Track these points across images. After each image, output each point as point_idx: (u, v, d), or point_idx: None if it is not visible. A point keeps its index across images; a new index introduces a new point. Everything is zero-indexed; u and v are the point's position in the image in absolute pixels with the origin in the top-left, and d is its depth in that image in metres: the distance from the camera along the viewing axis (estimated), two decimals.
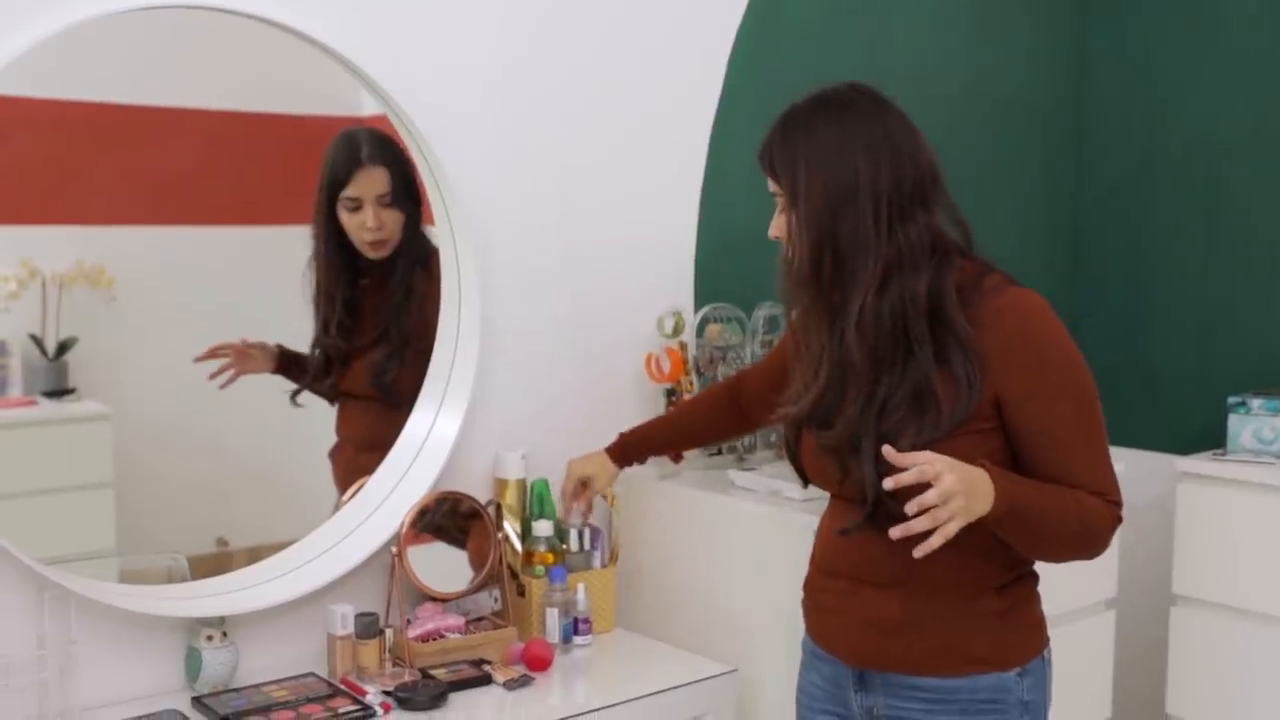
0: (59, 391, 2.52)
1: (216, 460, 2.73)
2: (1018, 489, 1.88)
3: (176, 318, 2.65)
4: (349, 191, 2.68)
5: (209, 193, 2.68)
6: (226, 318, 2.70)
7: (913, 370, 1.95)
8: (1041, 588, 2.13)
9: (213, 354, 2.63)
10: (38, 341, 2.48)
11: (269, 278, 2.76)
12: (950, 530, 1.80)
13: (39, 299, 2.48)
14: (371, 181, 2.68)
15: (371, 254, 2.72)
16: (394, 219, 2.71)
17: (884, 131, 1.99)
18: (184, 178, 2.63)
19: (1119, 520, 2.00)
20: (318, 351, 2.74)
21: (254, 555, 2.60)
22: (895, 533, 1.82)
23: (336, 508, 2.68)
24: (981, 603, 2.03)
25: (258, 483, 2.77)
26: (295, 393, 2.74)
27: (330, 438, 2.79)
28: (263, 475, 2.78)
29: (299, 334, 2.74)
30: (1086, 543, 1.98)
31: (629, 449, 2.74)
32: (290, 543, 2.59)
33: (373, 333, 2.75)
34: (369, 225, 2.68)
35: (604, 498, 2.78)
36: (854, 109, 2.01)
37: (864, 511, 1.98)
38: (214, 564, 2.63)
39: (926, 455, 1.81)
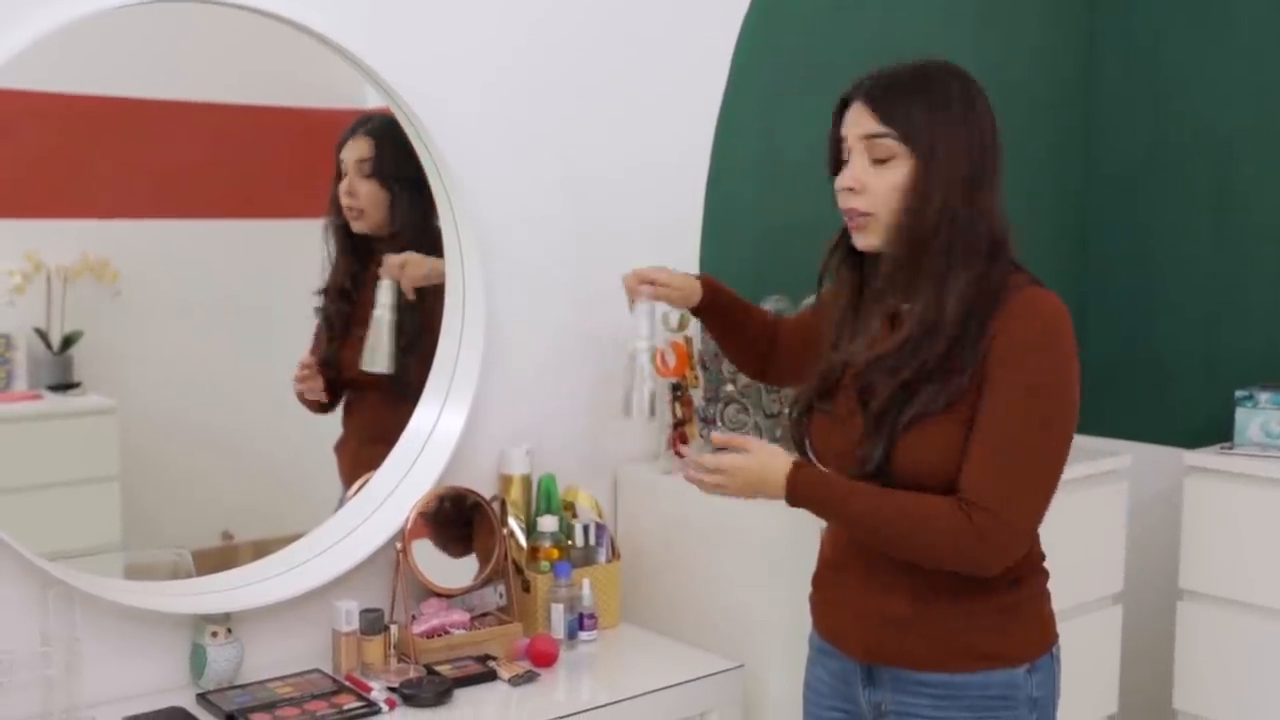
0: (64, 385, 2.51)
1: (222, 454, 2.72)
2: (814, 490, 2.00)
3: (181, 311, 2.64)
4: (339, 157, 2.71)
5: (214, 186, 2.68)
6: (231, 311, 2.70)
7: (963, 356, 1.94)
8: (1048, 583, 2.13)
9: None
10: (43, 335, 2.48)
11: (274, 271, 2.76)
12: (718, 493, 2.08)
13: (44, 293, 2.48)
14: (355, 149, 2.70)
15: (354, 227, 2.72)
16: (371, 192, 2.70)
17: (991, 114, 2.06)
18: (188, 171, 2.63)
19: (980, 533, 1.89)
20: (328, 317, 2.75)
21: (259, 548, 2.61)
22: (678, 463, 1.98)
23: (341, 502, 2.67)
24: (991, 599, 2.01)
25: (263, 476, 2.77)
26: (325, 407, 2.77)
27: (335, 431, 2.79)
28: (268, 469, 2.78)
29: (303, 328, 2.74)
30: (922, 547, 1.94)
31: (716, 301, 2.53)
32: (295, 536, 2.59)
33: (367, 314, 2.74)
34: (344, 190, 2.69)
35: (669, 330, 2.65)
36: (975, 85, 2.05)
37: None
38: (219, 558, 2.63)
39: (730, 453, 2.04)
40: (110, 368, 2.56)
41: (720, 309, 2.54)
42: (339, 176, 2.71)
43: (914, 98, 1.99)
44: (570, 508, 2.79)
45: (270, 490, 2.79)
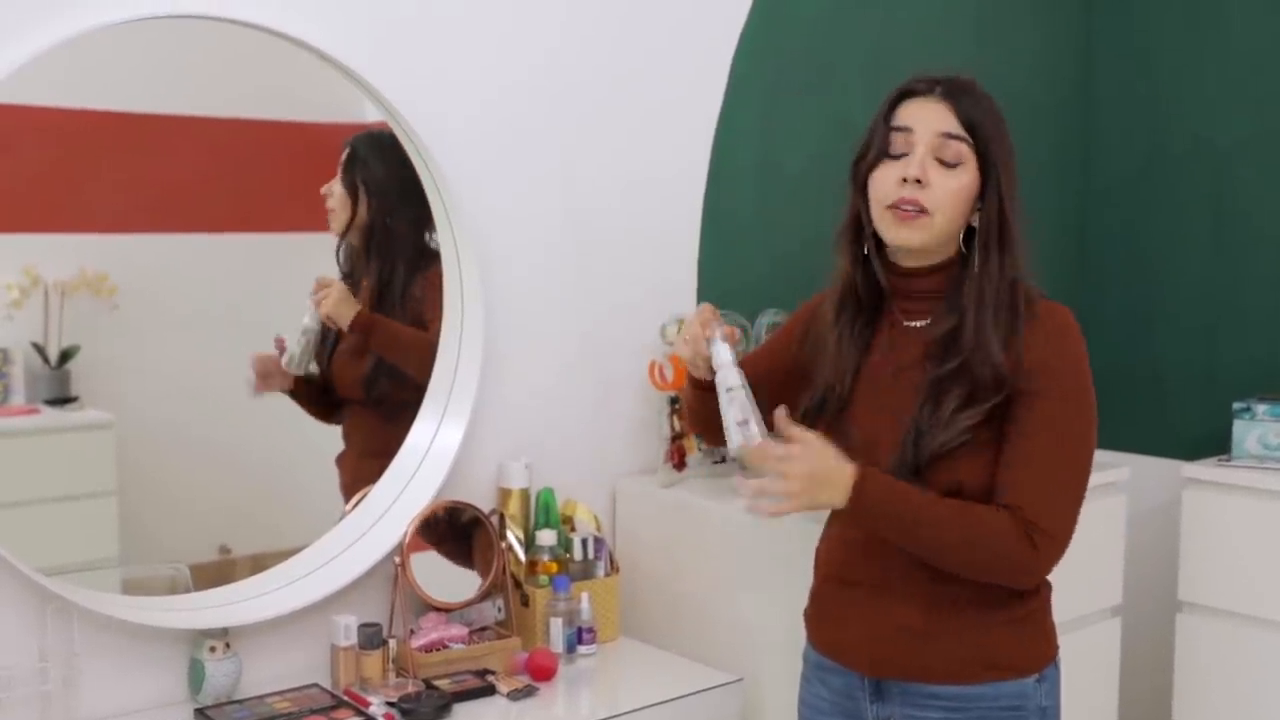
0: (61, 400, 2.50)
1: (219, 468, 2.71)
2: (884, 495, 1.91)
3: (179, 325, 2.63)
4: None
5: (212, 200, 2.67)
6: (229, 325, 2.69)
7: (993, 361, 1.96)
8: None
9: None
10: (40, 350, 2.47)
11: (272, 285, 2.75)
12: (782, 509, 1.91)
13: (41, 307, 2.47)
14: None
15: (331, 227, 2.73)
16: (340, 195, 2.69)
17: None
18: (187, 185, 2.62)
19: (1032, 542, 1.91)
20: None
21: (257, 562, 2.60)
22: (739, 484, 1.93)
23: (342, 515, 2.67)
24: (1003, 610, 2.02)
25: (260, 490, 2.76)
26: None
27: (335, 444, 2.78)
28: (266, 483, 2.77)
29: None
30: (980, 558, 1.94)
31: None
32: (293, 550, 2.58)
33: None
34: (324, 189, 2.71)
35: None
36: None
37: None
38: (217, 572, 2.62)
39: (796, 442, 1.89)
40: (108, 382, 2.55)
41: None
42: None
43: (985, 107, 2.02)
44: (569, 521, 2.79)
45: (268, 504, 2.78)
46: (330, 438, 2.77)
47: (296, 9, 2.42)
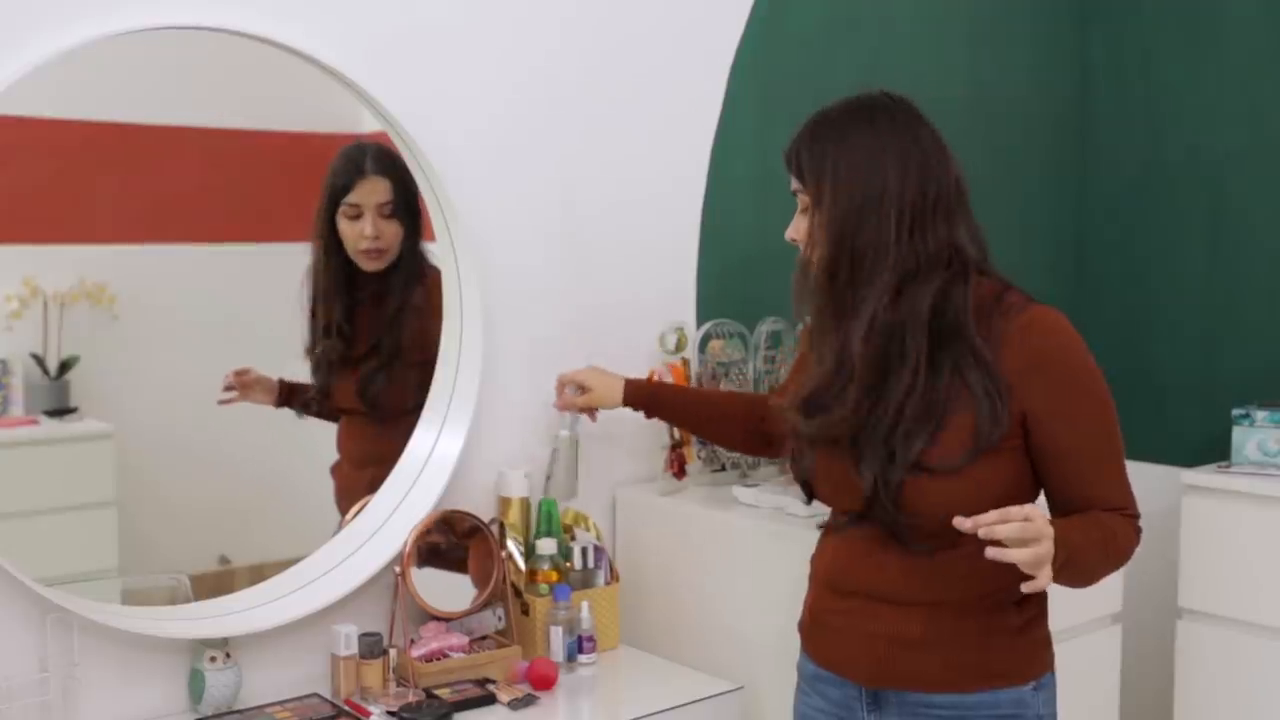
0: (61, 410, 2.52)
1: (218, 478, 2.72)
2: (1074, 538, 1.86)
3: (178, 335, 2.65)
4: (350, 198, 2.68)
5: (210, 210, 2.68)
6: (228, 335, 2.70)
7: (924, 385, 1.94)
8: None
9: (227, 384, 2.65)
10: (39, 360, 2.48)
11: (271, 295, 2.75)
12: (1048, 575, 1.80)
13: (40, 318, 2.48)
14: (373, 190, 2.68)
15: (366, 264, 2.71)
16: (392, 231, 2.70)
17: (915, 142, 1.99)
18: (185, 196, 2.63)
19: (1139, 532, 2.01)
20: (316, 358, 2.74)
21: (256, 573, 2.60)
22: (991, 554, 1.78)
23: (339, 526, 2.67)
24: (1001, 618, 2.02)
25: (260, 500, 2.77)
26: (309, 412, 2.77)
27: (332, 454, 2.79)
28: (265, 493, 2.78)
29: (300, 351, 2.74)
30: (1118, 564, 1.99)
31: (641, 391, 2.65)
32: (293, 560, 2.58)
33: (365, 346, 2.74)
34: (366, 234, 2.68)
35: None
36: (888, 117, 2.01)
37: (863, 519, 2.04)
38: (216, 582, 2.62)
39: (1020, 513, 1.78)
40: (107, 392, 2.57)
41: (664, 405, 2.65)
42: (333, 212, 2.70)
43: (805, 143, 2.04)
44: (570, 530, 2.78)
45: (267, 515, 2.78)
46: (330, 448, 2.78)
47: (298, 21, 2.42)
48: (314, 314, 2.72)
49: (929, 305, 1.94)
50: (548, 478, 2.71)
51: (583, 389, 2.65)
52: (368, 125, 2.68)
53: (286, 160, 2.75)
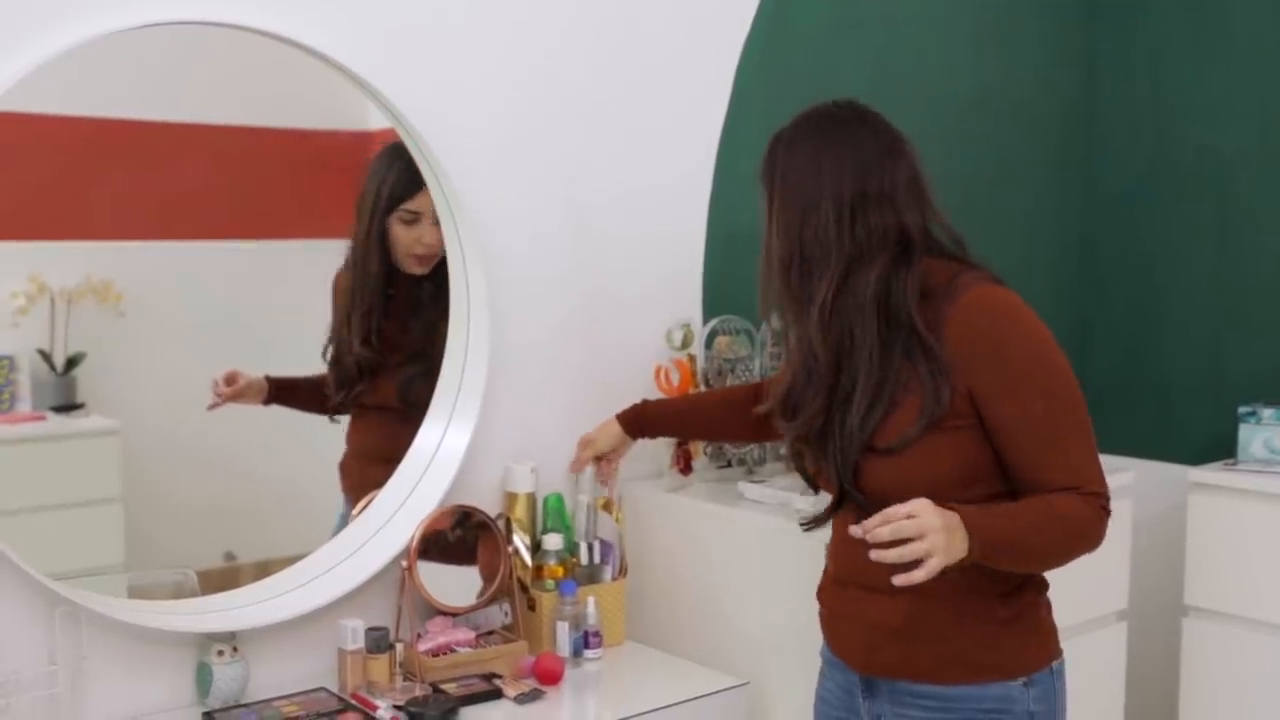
0: (67, 406, 2.52)
1: (224, 475, 2.73)
2: (989, 523, 1.90)
3: (184, 332, 2.66)
4: (411, 205, 2.67)
5: (216, 207, 2.69)
6: (234, 332, 2.71)
7: (874, 366, 2.00)
8: (1052, 599, 2.12)
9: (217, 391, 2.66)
10: (46, 357, 2.48)
11: (276, 292, 2.77)
12: (933, 567, 1.83)
13: (47, 314, 2.49)
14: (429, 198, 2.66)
15: (416, 268, 2.71)
16: (440, 235, 2.69)
17: (855, 141, 2.06)
18: (192, 193, 2.64)
19: (1105, 510, 1.98)
20: (348, 363, 2.72)
21: (262, 569, 2.60)
22: (875, 555, 1.86)
23: (347, 520, 2.67)
24: (986, 610, 2.03)
25: (265, 497, 2.78)
26: (332, 411, 2.77)
27: (336, 450, 2.78)
28: (270, 489, 2.78)
29: (306, 348, 2.74)
30: (1074, 546, 1.99)
31: (644, 420, 2.72)
32: (298, 556, 2.58)
33: (406, 347, 2.74)
34: (425, 240, 2.68)
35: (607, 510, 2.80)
36: (833, 122, 2.10)
37: (840, 507, 2.10)
38: (222, 578, 2.63)
39: (902, 511, 1.85)
40: (113, 389, 2.57)
41: (665, 422, 2.75)
42: (384, 216, 2.69)
43: (764, 159, 2.15)
44: (608, 507, 2.82)
45: (272, 511, 2.79)
46: (336, 445, 2.77)
47: (306, 16, 2.42)
48: (347, 317, 2.71)
49: (874, 290, 2.00)
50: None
51: (599, 459, 2.76)
52: (374, 122, 2.69)
53: (292, 157, 2.75)
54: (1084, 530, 1.97)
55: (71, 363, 2.51)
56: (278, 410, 2.74)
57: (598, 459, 2.77)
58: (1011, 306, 2.00)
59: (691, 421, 2.77)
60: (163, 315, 2.62)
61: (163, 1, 2.25)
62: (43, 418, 2.50)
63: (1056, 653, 2.10)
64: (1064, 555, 1.99)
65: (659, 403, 2.76)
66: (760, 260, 2.14)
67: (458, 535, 2.69)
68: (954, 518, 1.86)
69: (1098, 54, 3.98)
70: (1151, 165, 3.87)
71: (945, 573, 1.89)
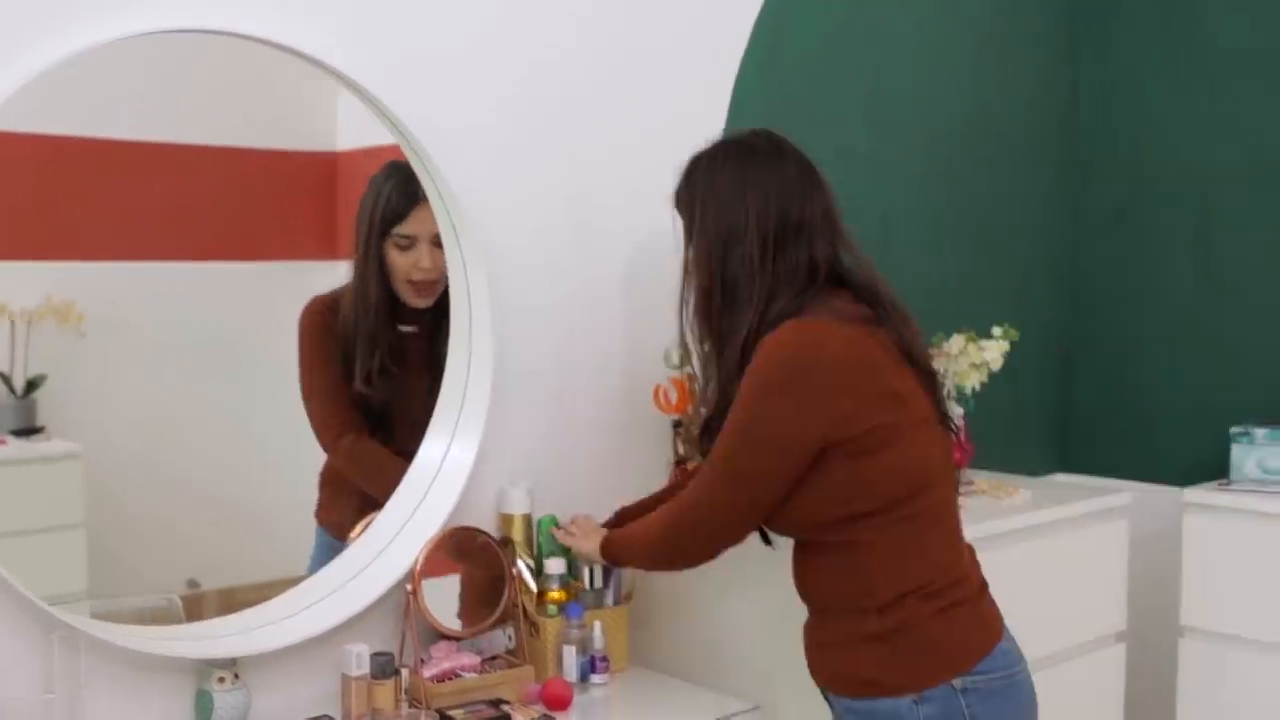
0: (27, 430, 2.43)
1: (188, 500, 2.64)
2: (615, 544, 2.40)
3: (147, 354, 2.57)
4: (404, 228, 2.59)
5: (180, 228, 2.62)
6: (198, 354, 2.63)
7: None
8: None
9: None
10: (5, 379, 2.40)
11: (242, 313, 2.69)
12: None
13: (7, 336, 2.40)
14: (429, 218, 2.57)
15: (414, 299, 2.63)
16: (442, 260, 2.60)
17: (778, 174, 2.13)
18: (155, 212, 2.57)
19: (686, 511, 2.19)
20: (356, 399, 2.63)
21: (227, 597, 2.54)
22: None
23: (331, 549, 2.59)
24: (862, 623, 2.06)
25: (230, 523, 2.69)
26: None
27: (306, 477, 2.71)
28: (236, 515, 2.69)
29: (272, 373, 2.69)
30: (670, 553, 2.28)
31: (625, 522, 2.62)
32: (264, 584, 2.53)
33: (426, 386, 2.65)
34: (422, 265, 2.59)
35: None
36: (752, 153, 2.16)
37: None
38: (186, 606, 2.55)
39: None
40: (75, 412, 2.48)
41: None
42: (383, 233, 2.60)
43: (681, 184, 2.25)
44: None
45: (238, 537, 2.70)
46: (303, 470, 2.70)
47: (309, 26, 2.37)
48: (350, 350, 2.60)
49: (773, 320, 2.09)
50: None
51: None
52: (342, 142, 2.66)
53: (257, 178, 2.69)
54: (657, 537, 2.27)
55: (31, 385, 2.42)
56: (244, 434, 2.66)
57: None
58: (769, 348, 2.05)
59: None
60: (125, 336, 2.54)
61: (159, 10, 2.19)
62: (2, 442, 2.40)
63: (959, 669, 2.05)
64: (665, 561, 2.33)
65: (635, 505, 2.66)
66: (679, 282, 2.21)
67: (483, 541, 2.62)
68: (598, 537, 2.44)
69: (1081, 78, 4.00)
70: (1135, 188, 3.89)
71: (820, 581, 2.11)
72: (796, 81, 3.27)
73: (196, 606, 2.54)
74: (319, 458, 2.68)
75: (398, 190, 2.58)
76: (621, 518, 2.63)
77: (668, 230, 2.96)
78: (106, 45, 2.14)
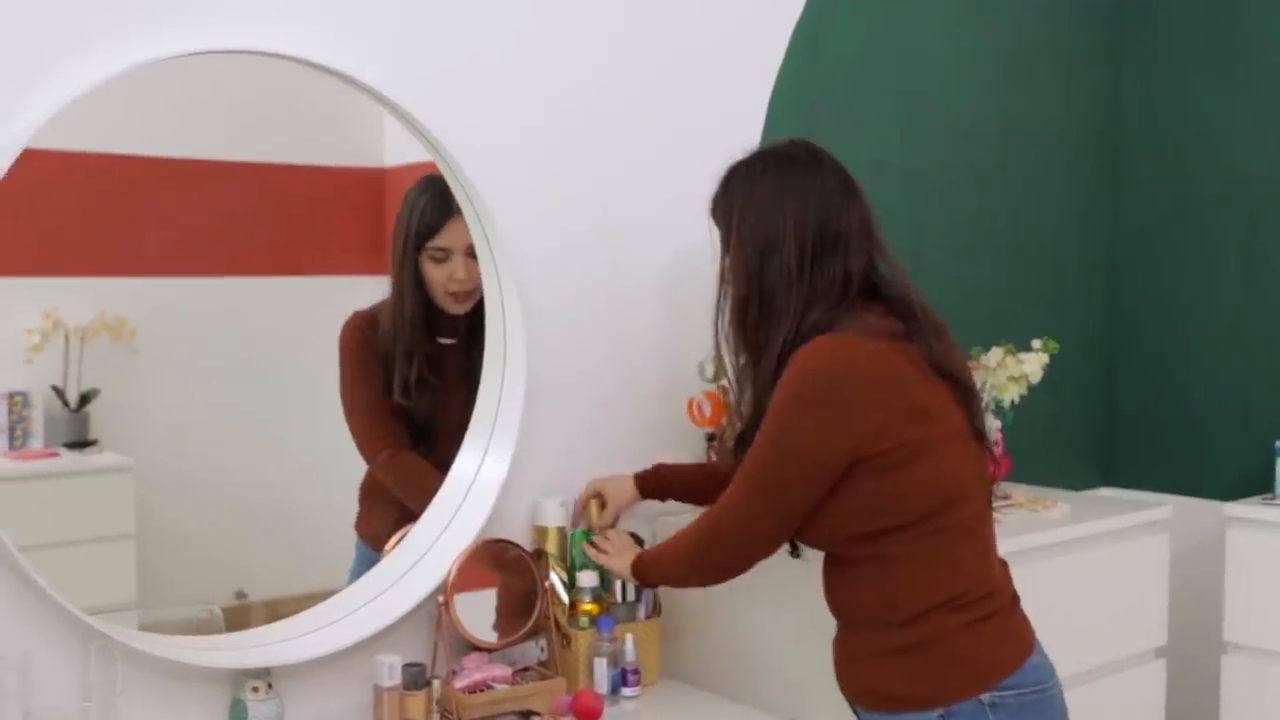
0: (81, 443, 2.48)
1: (236, 513, 2.68)
2: (646, 563, 2.39)
3: (198, 369, 2.61)
4: (438, 241, 2.62)
5: (231, 244, 2.66)
6: (247, 368, 2.67)
7: None
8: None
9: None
10: (60, 393, 2.44)
11: (291, 328, 2.73)
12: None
13: (61, 350, 2.45)
14: (462, 230, 2.60)
15: (453, 307, 2.66)
16: (477, 270, 2.63)
17: (817, 184, 2.12)
18: (206, 229, 2.61)
19: (714, 525, 2.19)
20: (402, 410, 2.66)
21: (272, 608, 2.57)
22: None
23: (368, 560, 2.62)
24: (888, 638, 2.06)
25: (277, 536, 2.73)
26: None
27: (351, 489, 2.73)
28: (282, 528, 2.74)
29: (322, 387, 2.70)
30: (701, 567, 2.27)
31: (660, 480, 2.69)
32: (309, 595, 2.55)
33: (465, 398, 2.67)
34: (458, 277, 2.63)
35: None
36: (791, 163, 2.16)
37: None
38: (233, 617, 2.59)
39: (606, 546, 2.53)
40: (126, 425, 2.53)
41: (680, 484, 2.70)
42: (418, 246, 2.64)
43: (718, 193, 2.25)
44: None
45: (284, 549, 2.74)
46: (348, 483, 2.73)
47: (342, 43, 2.40)
48: (391, 363, 2.64)
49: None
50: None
51: (600, 501, 2.69)
52: (390, 159, 2.70)
53: (306, 194, 2.73)
54: (682, 554, 2.28)
55: (85, 399, 2.47)
56: (291, 448, 2.70)
57: (601, 504, 2.69)
58: (801, 361, 2.05)
59: (705, 487, 2.67)
60: (176, 351, 2.58)
61: (201, 31, 2.23)
62: (56, 454, 2.46)
63: (989, 684, 2.04)
64: (697, 576, 2.31)
65: (675, 466, 2.72)
66: (715, 292, 2.21)
67: (515, 554, 2.63)
68: (631, 552, 2.46)
69: (1122, 88, 3.98)
70: (1177, 198, 3.87)
71: (846, 596, 2.11)
72: (832, 91, 3.27)
73: (243, 617, 2.57)
74: (362, 470, 2.71)
75: (432, 204, 2.62)
76: (659, 471, 2.68)
77: (703, 241, 2.99)
78: (150, 65, 2.18)
